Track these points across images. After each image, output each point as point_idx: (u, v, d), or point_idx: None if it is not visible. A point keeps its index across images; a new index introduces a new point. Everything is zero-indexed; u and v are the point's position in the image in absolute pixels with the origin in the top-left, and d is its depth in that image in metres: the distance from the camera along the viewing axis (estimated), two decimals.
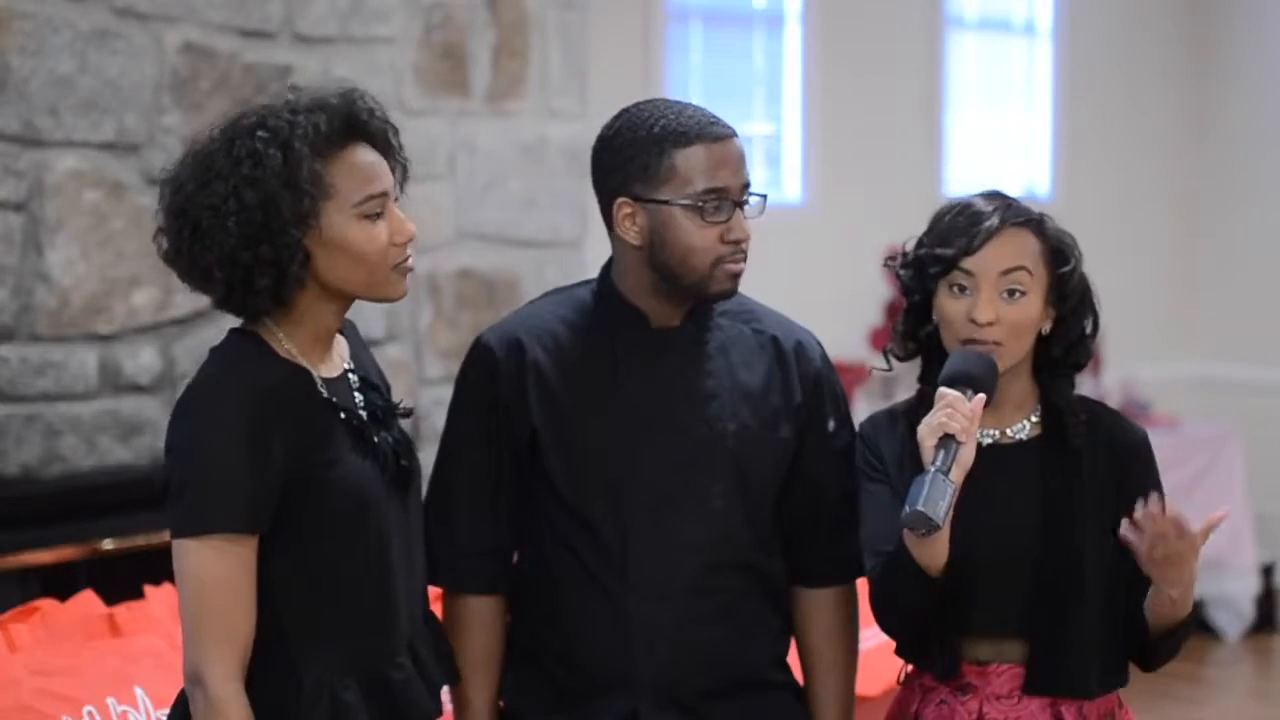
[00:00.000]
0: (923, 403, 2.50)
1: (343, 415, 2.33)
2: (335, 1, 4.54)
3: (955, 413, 2.36)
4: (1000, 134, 7.23)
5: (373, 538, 2.32)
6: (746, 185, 2.51)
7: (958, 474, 2.34)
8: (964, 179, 6.89)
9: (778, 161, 6.54)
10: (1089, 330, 2.56)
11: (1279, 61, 7.33)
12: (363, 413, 2.37)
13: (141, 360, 4.15)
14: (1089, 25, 7.31)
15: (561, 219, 5.09)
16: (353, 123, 2.31)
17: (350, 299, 2.35)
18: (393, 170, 2.35)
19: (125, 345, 4.12)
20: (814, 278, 6.21)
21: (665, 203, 2.47)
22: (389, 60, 4.68)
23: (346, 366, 2.41)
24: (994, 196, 2.54)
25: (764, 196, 2.54)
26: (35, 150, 3.94)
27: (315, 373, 2.33)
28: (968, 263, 2.47)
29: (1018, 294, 2.46)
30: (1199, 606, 7.14)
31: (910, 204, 6.72)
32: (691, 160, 2.47)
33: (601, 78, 5.31)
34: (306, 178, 2.24)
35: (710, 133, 2.48)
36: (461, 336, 4.63)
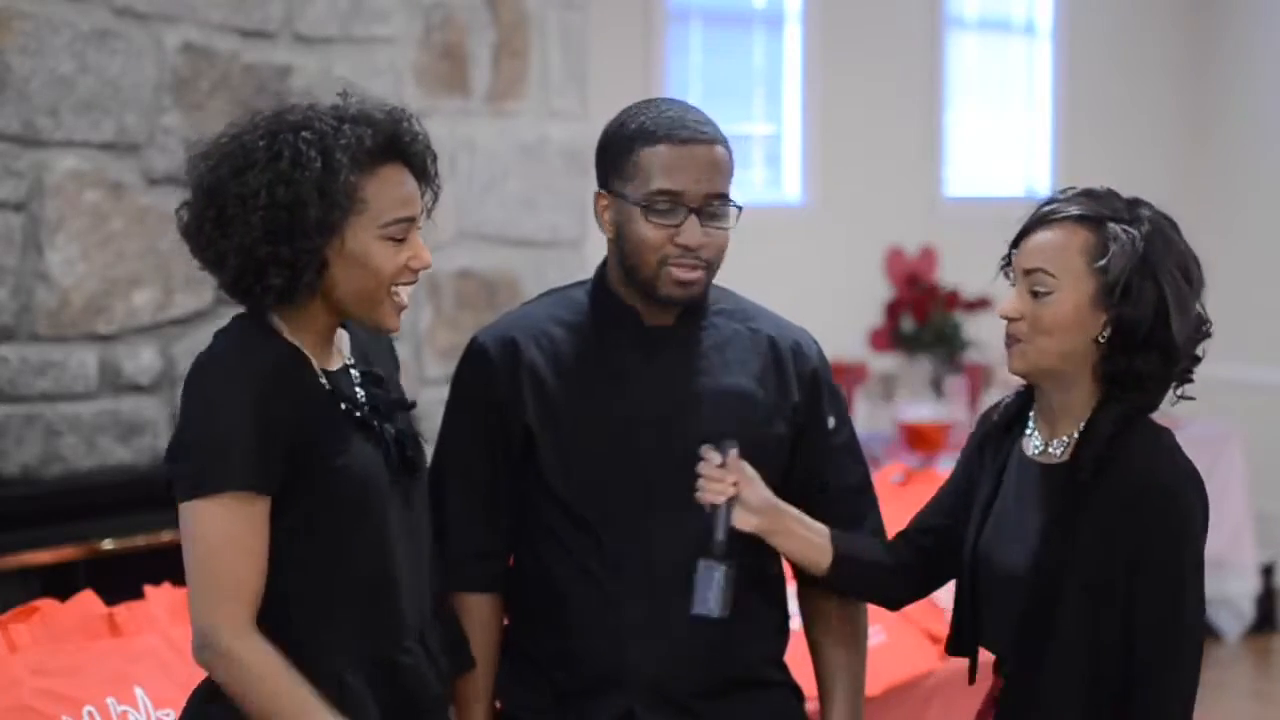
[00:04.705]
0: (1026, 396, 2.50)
1: (343, 406, 2.33)
2: (335, 1, 4.54)
3: (704, 482, 2.46)
4: (1000, 134, 7.23)
5: (377, 524, 2.33)
6: (716, 195, 2.49)
7: (745, 519, 2.46)
8: (964, 179, 6.89)
9: (778, 161, 6.54)
10: (1158, 367, 2.36)
11: (1279, 61, 7.33)
12: (365, 406, 2.37)
13: (141, 360, 4.15)
14: (1089, 25, 7.31)
15: (561, 219, 5.09)
16: (395, 143, 2.31)
17: (347, 315, 2.36)
18: (422, 195, 2.36)
19: (125, 345, 4.12)
20: (814, 278, 6.21)
21: (625, 198, 2.50)
22: (389, 60, 4.68)
23: (347, 361, 2.41)
24: (1079, 193, 2.42)
25: (739, 207, 2.52)
26: (35, 150, 3.93)
27: (315, 363, 2.34)
28: (1014, 257, 2.44)
29: (1041, 294, 2.38)
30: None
31: (910, 204, 6.75)
32: (652, 159, 2.48)
33: (601, 78, 5.30)
34: (341, 189, 2.25)
35: (677, 135, 2.48)
36: (461, 336, 4.61)
